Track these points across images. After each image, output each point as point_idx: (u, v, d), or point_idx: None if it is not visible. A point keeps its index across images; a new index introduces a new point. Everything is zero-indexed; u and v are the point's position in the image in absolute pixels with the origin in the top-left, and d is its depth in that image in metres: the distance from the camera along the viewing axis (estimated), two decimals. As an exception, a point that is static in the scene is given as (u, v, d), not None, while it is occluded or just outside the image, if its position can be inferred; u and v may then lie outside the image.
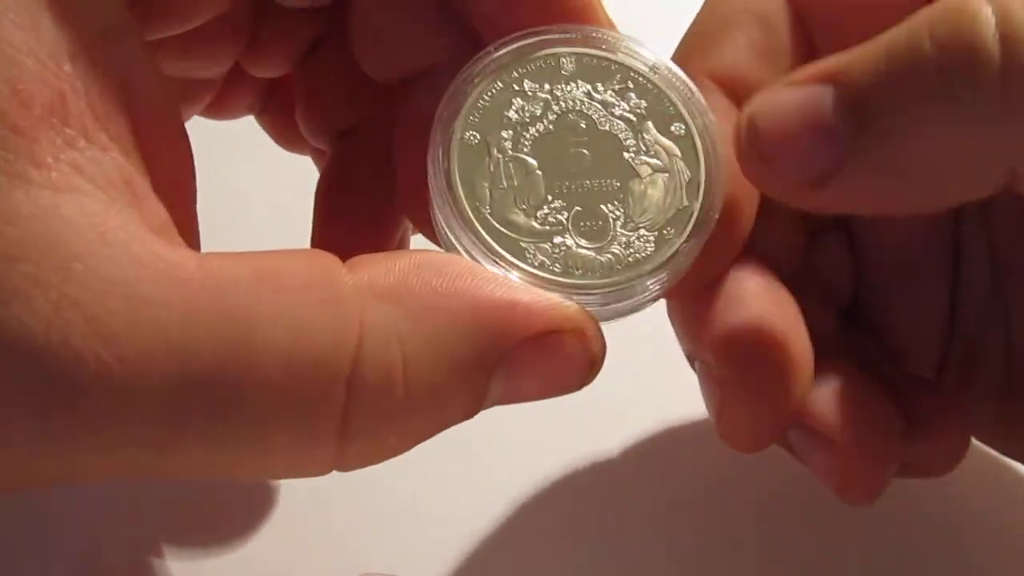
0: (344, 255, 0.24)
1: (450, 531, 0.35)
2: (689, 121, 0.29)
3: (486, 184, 0.28)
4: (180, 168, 0.25)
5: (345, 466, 0.22)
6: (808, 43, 0.31)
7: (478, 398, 0.23)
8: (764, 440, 0.28)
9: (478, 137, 0.28)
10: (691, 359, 0.31)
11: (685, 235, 0.28)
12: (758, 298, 0.28)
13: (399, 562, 0.33)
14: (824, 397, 0.28)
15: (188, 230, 0.24)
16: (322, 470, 0.22)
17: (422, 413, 0.22)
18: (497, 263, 0.27)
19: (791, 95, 0.26)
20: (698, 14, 0.32)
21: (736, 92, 0.30)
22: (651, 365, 0.36)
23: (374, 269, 0.23)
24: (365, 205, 0.32)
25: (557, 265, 0.27)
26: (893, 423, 0.28)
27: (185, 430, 0.20)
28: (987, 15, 0.22)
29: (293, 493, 0.34)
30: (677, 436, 0.37)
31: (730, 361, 0.28)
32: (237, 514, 0.34)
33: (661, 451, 0.36)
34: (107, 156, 0.21)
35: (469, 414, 0.23)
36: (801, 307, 0.29)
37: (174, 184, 0.24)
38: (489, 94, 0.29)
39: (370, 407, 0.22)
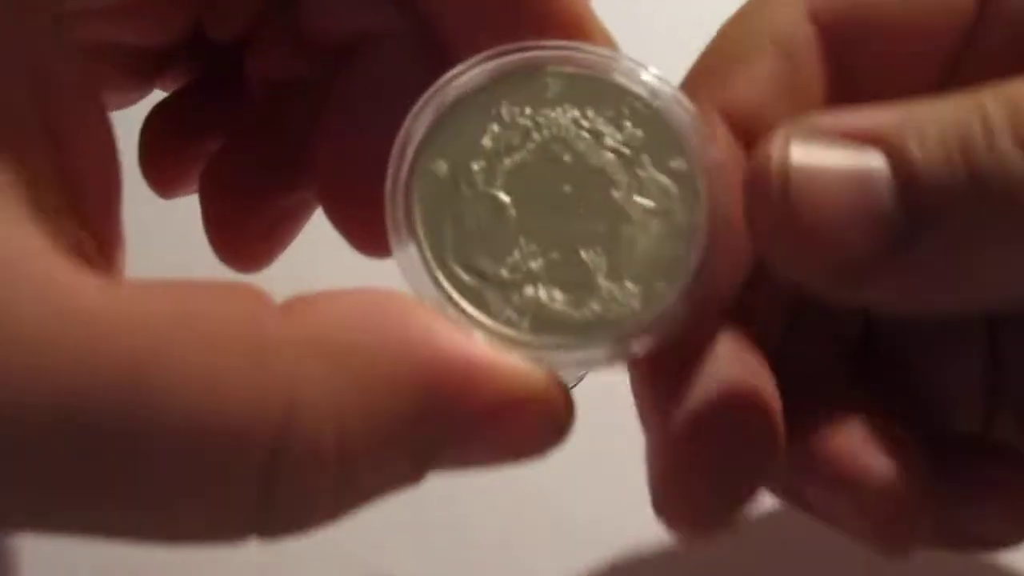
0: (235, 235, 0.20)
1: (450, 532, 0.34)
2: (692, 157, 0.25)
3: (451, 223, 0.24)
4: (101, 167, 0.22)
5: (268, 536, 0.20)
6: (839, 78, 0.27)
7: (421, 469, 0.21)
8: (717, 520, 0.24)
9: (446, 167, 0.25)
10: (644, 420, 0.28)
11: (678, 291, 0.24)
12: (731, 362, 0.25)
13: (399, 562, 0.33)
14: (848, 441, 0.26)
15: (109, 241, 0.21)
16: (241, 538, 0.20)
17: (357, 485, 0.20)
18: (458, 314, 0.24)
19: (835, 157, 0.22)
20: (713, 39, 0.28)
21: (750, 132, 0.26)
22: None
23: (312, 316, 0.20)
24: (263, 185, 0.29)
25: (526, 321, 0.24)
26: (921, 462, 0.25)
27: (70, 494, 0.17)
28: None
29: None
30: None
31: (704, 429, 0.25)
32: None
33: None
34: None
35: (412, 483, 0.21)
36: (805, 352, 0.26)
37: (93, 186, 0.21)
38: (463, 117, 0.25)
39: (296, 479, 0.19)
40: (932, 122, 0.21)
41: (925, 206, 0.21)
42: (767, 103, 0.26)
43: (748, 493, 0.24)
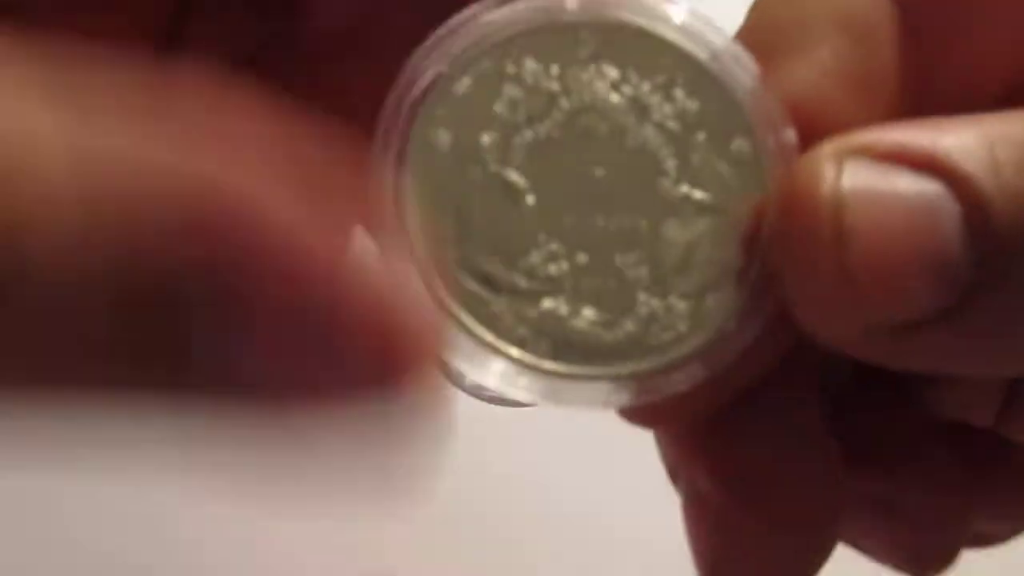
0: None
1: (450, 532, 0.34)
2: (759, 137, 0.20)
3: (453, 213, 0.19)
4: None
5: None
6: (922, 71, 0.22)
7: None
8: None
9: (450, 139, 0.19)
10: (676, 475, 0.24)
11: (736, 309, 0.19)
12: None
13: (399, 562, 0.33)
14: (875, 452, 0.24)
15: None
16: None
17: None
18: (460, 333, 0.19)
19: (896, 187, 0.18)
20: (752, 11, 0.22)
21: (806, 136, 0.21)
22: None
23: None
24: None
25: (544, 342, 0.19)
26: (955, 471, 0.24)
27: None
28: None
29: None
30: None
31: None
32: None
33: None
34: None
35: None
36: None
37: None
38: (472, 76, 0.19)
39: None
40: (1008, 144, 0.18)
41: (999, 252, 0.18)
42: (832, 98, 0.21)
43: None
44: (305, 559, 0.34)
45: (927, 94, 0.22)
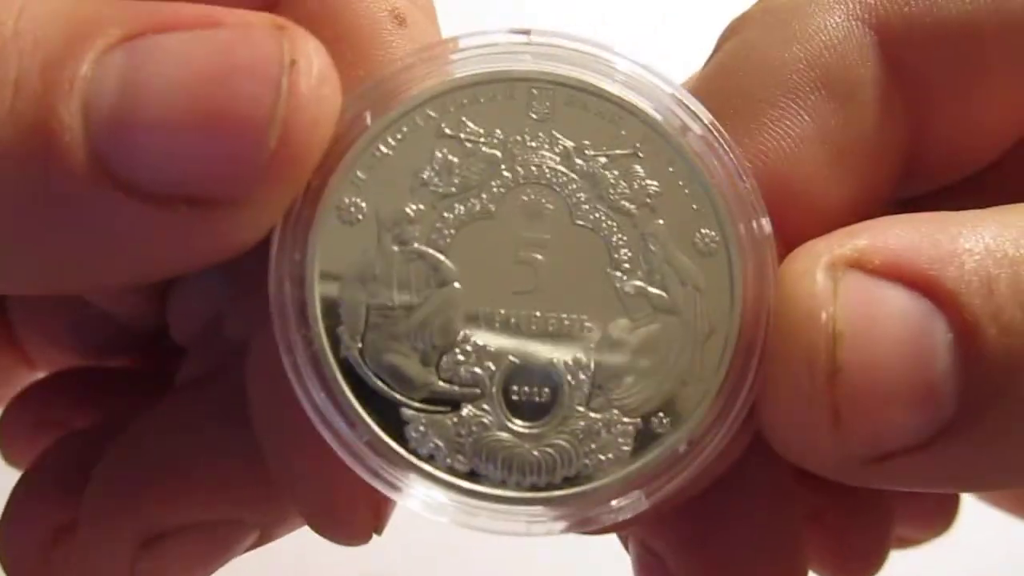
0: None
1: (450, 532, 0.32)
2: (728, 229, 0.17)
3: (363, 297, 0.16)
4: None
5: None
6: (910, 119, 0.20)
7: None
8: None
9: (364, 209, 0.16)
10: (626, 539, 0.23)
11: (689, 431, 0.17)
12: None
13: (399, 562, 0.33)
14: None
15: None
16: None
17: None
18: (359, 439, 0.16)
19: (890, 321, 0.16)
20: (721, 63, 0.20)
21: (784, 206, 0.18)
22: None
23: None
24: None
25: (460, 458, 0.16)
26: None
27: None
28: None
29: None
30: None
31: None
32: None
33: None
34: None
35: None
36: None
37: None
38: (398, 135, 0.17)
39: None
40: (1006, 263, 0.17)
41: (984, 383, 0.17)
42: (811, 169, 0.19)
43: None
44: (305, 559, 0.33)
45: (914, 155, 0.20)
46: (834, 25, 0.19)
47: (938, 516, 0.26)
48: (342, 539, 0.20)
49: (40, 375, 0.27)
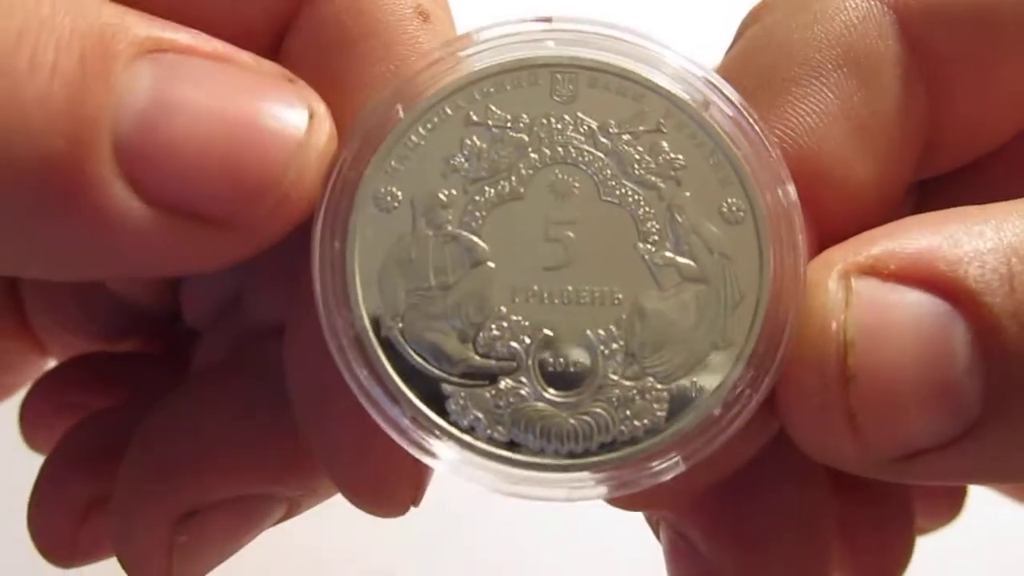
0: None
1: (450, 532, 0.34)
2: (755, 197, 0.17)
3: (401, 280, 0.17)
4: None
5: None
6: (931, 98, 0.20)
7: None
8: None
9: (400, 197, 0.17)
10: (657, 526, 0.23)
11: (723, 395, 0.17)
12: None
13: (399, 562, 0.33)
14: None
15: None
16: None
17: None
18: (402, 414, 0.17)
19: (902, 313, 0.17)
20: (742, 42, 0.20)
21: (808, 181, 0.19)
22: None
23: None
24: None
25: (499, 428, 0.17)
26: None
27: None
28: None
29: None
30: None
31: None
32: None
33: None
34: None
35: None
36: None
37: None
38: (428, 125, 0.17)
39: None
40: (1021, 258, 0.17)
41: (1008, 382, 0.17)
42: (835, 145, 0.19)
43: None
44: (305, 559, 0.34)
45: (934, 134, 0.20)
46: (854, 6, 0.20)
47: (947, 506, 0.26)
48: (381, 511, 0.20)
49: (52, 361, 0.29)
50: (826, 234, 0.19)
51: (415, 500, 0.20)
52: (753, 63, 0.20)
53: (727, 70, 0.20)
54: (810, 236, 0.18)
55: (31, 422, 0.27)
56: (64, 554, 0.24)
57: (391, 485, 0.20)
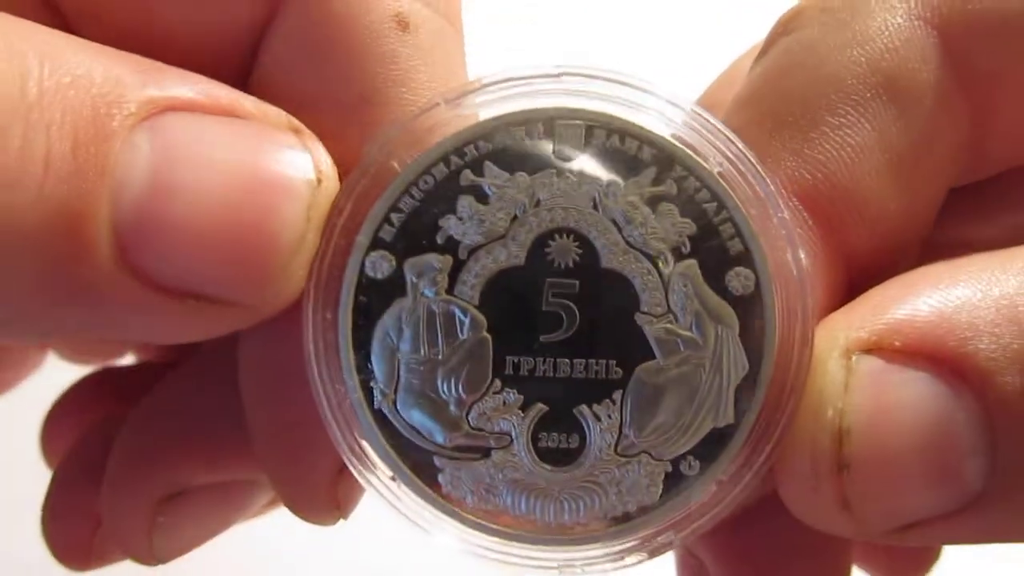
0: None
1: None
2: (763, 267, 0.17)
3: (394, 350, 0.17)
4: None
5: None
6: (973, 119, 0.18)
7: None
8: None
9: (393, 263, 0.17)
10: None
11: (716, 475, 0.17)
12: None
13: (399, 562, 0.33)
14: None
15: None
16: None
17: None
18: (389, 488, 0.17)
19: (906, 410, 0.16)
20: (775, 55, 0.19)
21: (833, 221, 0.18)
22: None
23: None
24: None
25: (490, 501, 0.17)
26: None
27: None
28: None
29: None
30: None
31: None
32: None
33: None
34: None
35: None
36: None
37: None
38: (423, 184, 0.17)
39: None
40: None
41: (1015, 460, 0.16)
42: (868, 182, 0.18)
43: None
44: (305, 559, 0.34)
45: (977, 146, 0.19)
46: (896, 26, 0.18)
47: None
48: (311, 520, 0.20)
49: (54, 355, 0.29)
50: (853, 267, 0.18)
51: (343, 515, 0.20)
52: (786, 83, 0.18)
53: (760, 87, 0.19)
54: (837, 273, 0.18)
55: (52, 446, 0.27)
56: (80, 559, 0.24)
57: (319, 498, 0.20)
